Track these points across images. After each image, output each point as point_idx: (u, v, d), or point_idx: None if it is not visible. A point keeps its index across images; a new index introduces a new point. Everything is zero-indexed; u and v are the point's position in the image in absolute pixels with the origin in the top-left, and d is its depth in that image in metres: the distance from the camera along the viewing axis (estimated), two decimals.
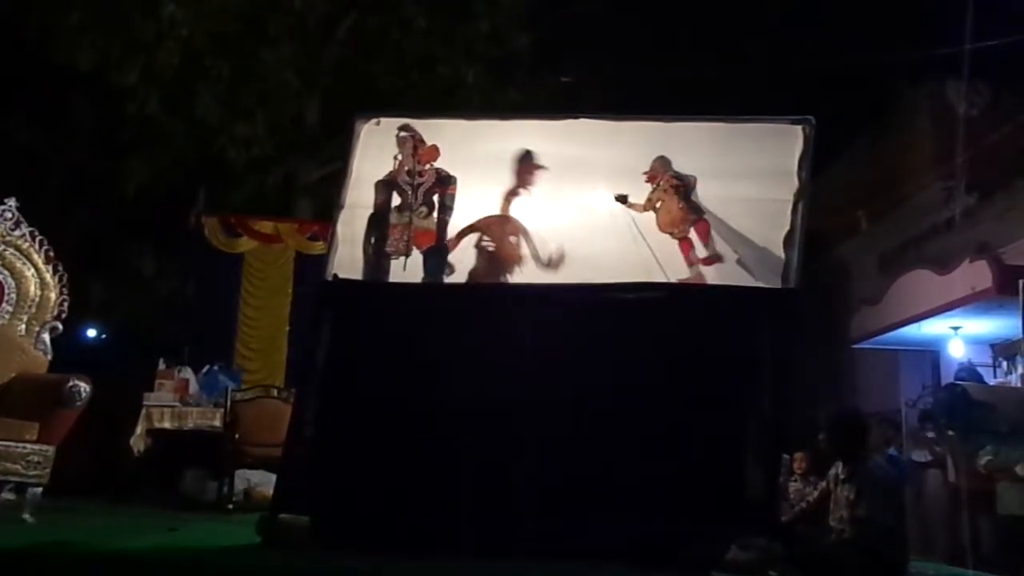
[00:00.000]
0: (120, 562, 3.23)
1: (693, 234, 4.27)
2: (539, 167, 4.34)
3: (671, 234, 4.30)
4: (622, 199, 4.27)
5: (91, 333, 13.02)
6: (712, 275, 4.21)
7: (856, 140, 10.63)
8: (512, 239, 4.33)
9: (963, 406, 5.69)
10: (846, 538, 4.02)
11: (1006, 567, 5.00)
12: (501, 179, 4.42)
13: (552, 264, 4.29)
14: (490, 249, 4.32)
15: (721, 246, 4.22)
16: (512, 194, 4.37)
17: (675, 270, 4.24)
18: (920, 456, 6.56)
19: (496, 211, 4.36)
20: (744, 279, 4.10)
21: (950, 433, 5.92)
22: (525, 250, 4.35)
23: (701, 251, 4.26)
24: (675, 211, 4.29)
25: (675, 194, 4.30)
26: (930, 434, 6.49)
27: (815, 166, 4.31)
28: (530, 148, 4.35)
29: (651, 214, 4.33)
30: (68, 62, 8.74)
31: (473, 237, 4.33)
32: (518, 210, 4.36)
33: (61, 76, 9.21)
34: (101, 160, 10.12)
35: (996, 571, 4.91)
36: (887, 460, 6.20)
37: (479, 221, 4.35)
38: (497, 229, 4.32)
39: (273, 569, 3.36)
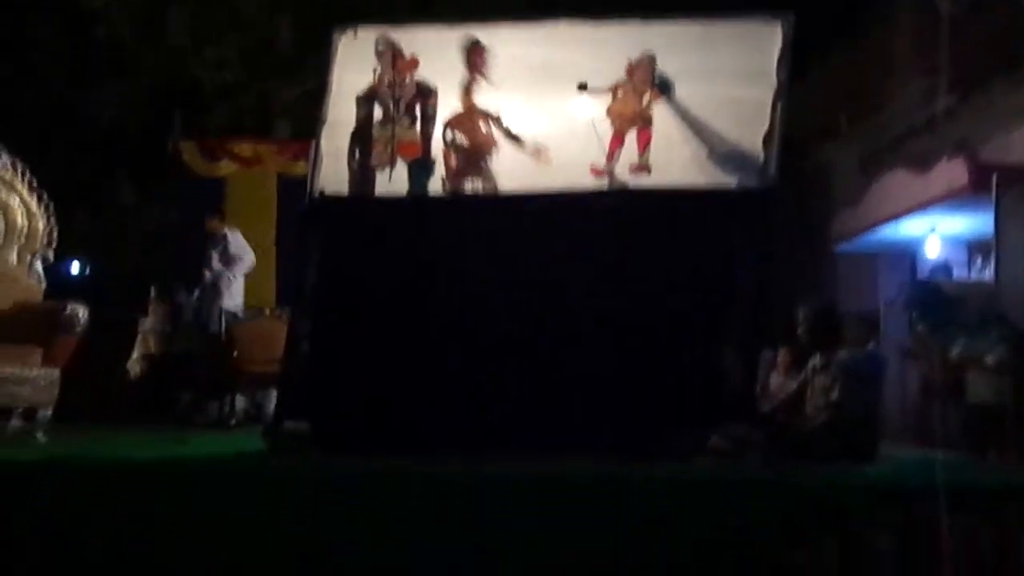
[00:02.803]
0: (135, 469, 3.40)
1: (632, 136, 4.29)
2: (485, 51, 4.35)
3: (611, 122, 4.32)
4: (582, 87, 4.29)
5: (75, 268, 13.00)
6: (634, 184, 4.26)
7: (835, 42, 10.53)
8: (482, 126, 4.37)
9: (934, 301, 5.89)
10: (821, 422, 4.25)
11: (972, 448, 5.29)
12: None
13: (540, 155, 4.30)
14: (464, 144, 4.36)
15: (687, 149, 4.24)
16: (470, 85, 4.38)
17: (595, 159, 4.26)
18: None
19: (459, 106, 4.37)
20: (714, 178, 4.18)
21: (920, 328, 6.14)
22: (497, 134, 4.38)
23: (633, 157, 4.29)
24: (629, 109, 4.32)
25: (637, 96, 4.33)
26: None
27: (795, 69, 4.33)
28: (477, 37, 4.34)
29: (608, 97, 4.35)
30: None
31: (447, 135, 4.35)
32: (482, 99, 4.37)
33: (25, 3, 8.91)
34: (72, 91, 9.90)
35: (963, 452, 5.20)
36: (867, 356, 6.42)
37: (447, 120, 4.37)
38: (466, 121, 4.35)
39: (278, 473, 3.53)
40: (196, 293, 7.64)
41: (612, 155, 4.29)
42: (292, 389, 4.24)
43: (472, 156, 4.32)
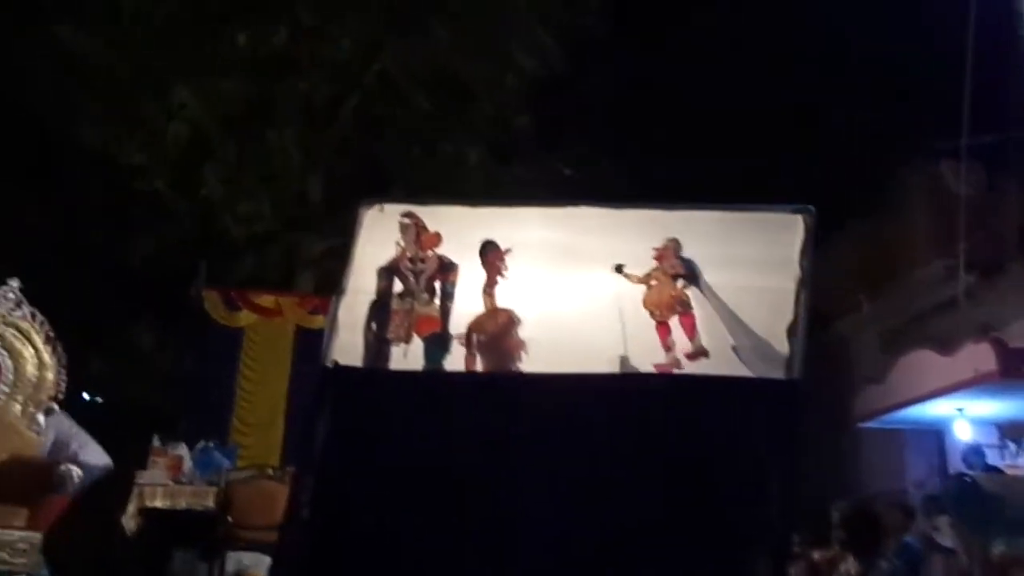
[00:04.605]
0: None
1: (676, 323, 4.18)
2: (504, 252, 4.35)
3: (651, 313, 4.23)
4: (618, 268, 4.26)
5: (87, 410, 12.89)
6: (695, 370, 4.10)
7: (856, 220, 10.76)
8: (508, 328, 4.30)
9: (974, 497, 5.60)
10: None
11: None
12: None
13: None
14: (489, 345, 4.29)
15: (712, 339, 4.15)
16: (490, 286, 4.35)
17: (646, 353, 4.11)
18: (945, 540, 6.37)
19: (482, 308, 4.34)
20: (739, 370, 4.04)
21: (959, 524, 5.80)
22: (524, 335, 4.29)
23: (684, 345, 4.15)
24: (666, 296, 4.24)
25: (672, 280, 4.28)
26: (936, 523, 6.35)
27: (815, 245, 4.30)
28: (489, 238, 4.37)
29: (643, 288, 4.32)
30: (77, 142, 8.92)
31: (471, 337, 4.29)
32: (504, 299, 4.34)
33: (68, 154, 9.38)
34: (105, 236, 10.22)
35: None
36: (902, 548, 6.04)
37: (471, 323, 4.32)
38: (490, 324, 4.29)
39: None
40: (199, 445, 7.49)
41: (667, 345, 4.19)
42: (287, 566, 3.96)
43: (500, 358, 4.23)
